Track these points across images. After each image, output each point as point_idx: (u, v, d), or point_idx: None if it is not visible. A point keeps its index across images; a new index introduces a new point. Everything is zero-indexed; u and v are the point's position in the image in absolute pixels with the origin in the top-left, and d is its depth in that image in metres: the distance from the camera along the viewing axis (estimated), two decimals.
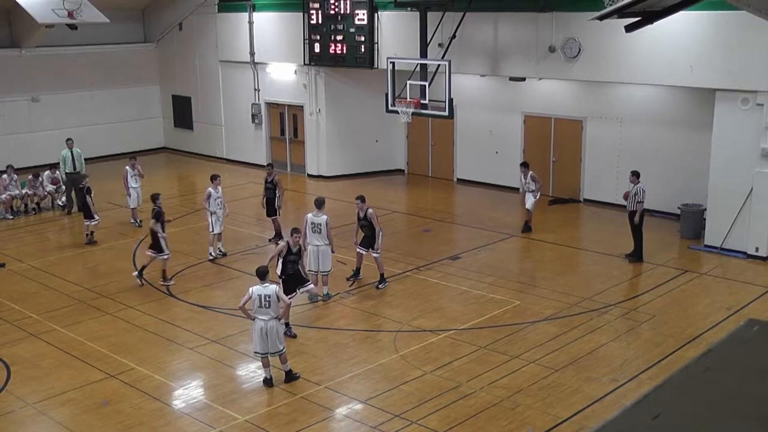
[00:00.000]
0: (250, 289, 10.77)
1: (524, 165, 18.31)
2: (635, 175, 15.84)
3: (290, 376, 10.91)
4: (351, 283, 14.82)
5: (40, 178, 20.66)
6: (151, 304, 14.11)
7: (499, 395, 10.54)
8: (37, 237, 18.76)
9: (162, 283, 14.89)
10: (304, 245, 13.43)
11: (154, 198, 15.30)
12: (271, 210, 17.32)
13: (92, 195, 18.04)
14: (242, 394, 10.75)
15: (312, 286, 13.13)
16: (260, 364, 11.01)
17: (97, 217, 18.00)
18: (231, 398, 10.67)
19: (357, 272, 15.02)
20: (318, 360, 11.79)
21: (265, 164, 18.10)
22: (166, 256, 14.97)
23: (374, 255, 14.57)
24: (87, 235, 17.96)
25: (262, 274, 10.79)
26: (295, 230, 12.81)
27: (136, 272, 15.07)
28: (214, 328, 12.97)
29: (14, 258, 16.87)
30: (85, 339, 12.60)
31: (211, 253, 16.45)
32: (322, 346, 12.28)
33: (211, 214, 16.26)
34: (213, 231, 16.39)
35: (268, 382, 10.86)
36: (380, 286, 14.64)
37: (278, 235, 17.26)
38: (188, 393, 10.93)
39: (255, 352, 10.90)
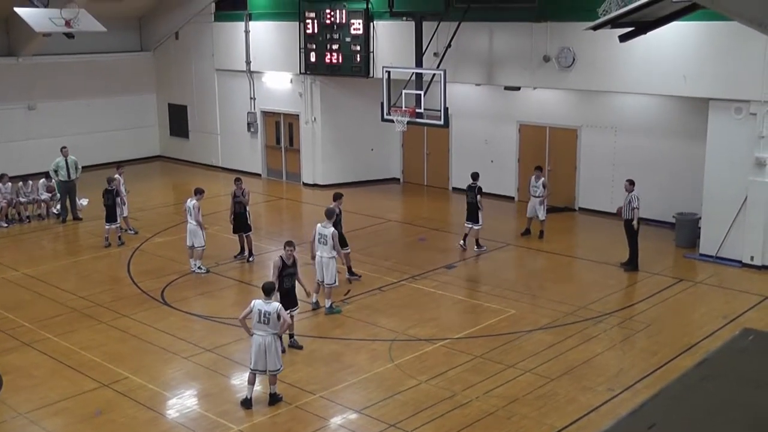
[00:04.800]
0: (253, 302, 10.58)
1: (538, 168, 18.58)
2: (630, 183, 15.90)
3: (274, 399, 10.66)
4: (346, 292, 14.78)
5: (31, 183, 20.58)
6: (146, 313, 14.06)
7: (495, 404, 10.52)
8: (32, 245, 18.70)
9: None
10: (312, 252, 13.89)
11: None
12: (244, 225, 16.75)
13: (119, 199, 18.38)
14: (236, 404, 10.69)
15: (297, 310, 12.66)
16: (247, 379, 10.70)
17: (118, 222, 18.18)
18: (225, 408, 10.62)
19: (350, 271, 15.35)
20: (313, 369, 11.75)
21: (234, 179, 17.40)
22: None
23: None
24: (106, 238, 18.05)
25: (268, 291, 10.58)
26: (288, 243, 12.42)
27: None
28: (209, 337, 12.93)
29: (8, 266, 16.81)
30: (79, 348, 12.54)
31: (200, 267, 16.26)
32: (317, 355, 12.25)
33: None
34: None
35: (247, 404, 10.55)
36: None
37: (250, 252, 16.79)
38: (182, 402, 10.89)
39: (251, 369, 10.60)
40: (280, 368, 10.69)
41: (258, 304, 10.50)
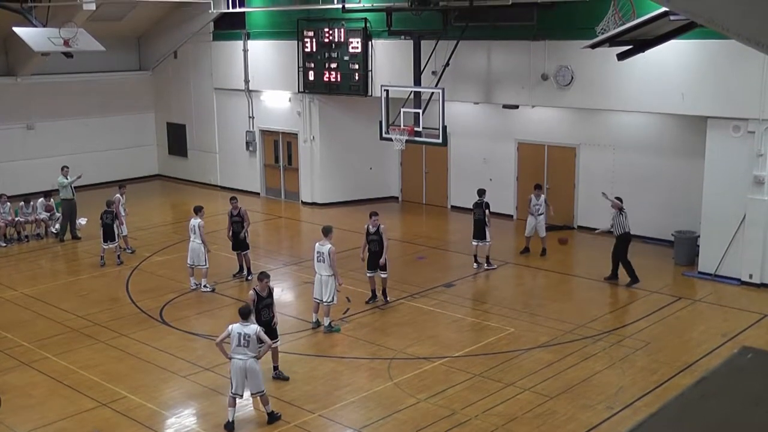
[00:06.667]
0: (230, 326, 10.47)
1: (538, 187, 18.65)
2: (619, 202, 16.07)
3: (273, 417, 10.58)
4: (345, 311, 14.73)
5: (32, 203, 20.63)
6: (145, 332, 14.02)
7: (494, 423, 10.47)
8: (30, 264, 18.68)
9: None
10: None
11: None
12: (240, 244, 16.72)
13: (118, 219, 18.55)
14: (235, 423, 10.64)
15: (279, 342, 12.09)
16: (229, 402, 10.51)
17: (116, 242, 18.24)
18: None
19: (374, 295, 15.18)
20: (312, 388, 11.71)
21: (230, 198, 17.58)
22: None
23: (384, 275, 15.00)
24: (102, 257, 18.08)
25: (245, 314, 10.49)
26: (262, 274, 12.08)
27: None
28: (208, 356, 12.87)
29: (7, 286, 16.79)
30: (78, 367, 12.50)
31: (206, 285, 16.30)
32: (316, 374, 12.20)
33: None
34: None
35: (229, 426, 10.39)
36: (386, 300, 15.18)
37: (248, 271, 16.76)
38: (181, 422, 10.84)
39: (233, 393, 10.41)
40: (263, 390, 10.54)
41: (236, 327, 10.39)
